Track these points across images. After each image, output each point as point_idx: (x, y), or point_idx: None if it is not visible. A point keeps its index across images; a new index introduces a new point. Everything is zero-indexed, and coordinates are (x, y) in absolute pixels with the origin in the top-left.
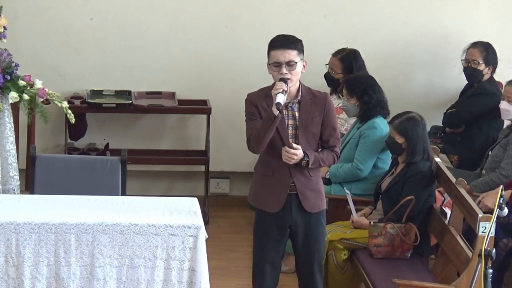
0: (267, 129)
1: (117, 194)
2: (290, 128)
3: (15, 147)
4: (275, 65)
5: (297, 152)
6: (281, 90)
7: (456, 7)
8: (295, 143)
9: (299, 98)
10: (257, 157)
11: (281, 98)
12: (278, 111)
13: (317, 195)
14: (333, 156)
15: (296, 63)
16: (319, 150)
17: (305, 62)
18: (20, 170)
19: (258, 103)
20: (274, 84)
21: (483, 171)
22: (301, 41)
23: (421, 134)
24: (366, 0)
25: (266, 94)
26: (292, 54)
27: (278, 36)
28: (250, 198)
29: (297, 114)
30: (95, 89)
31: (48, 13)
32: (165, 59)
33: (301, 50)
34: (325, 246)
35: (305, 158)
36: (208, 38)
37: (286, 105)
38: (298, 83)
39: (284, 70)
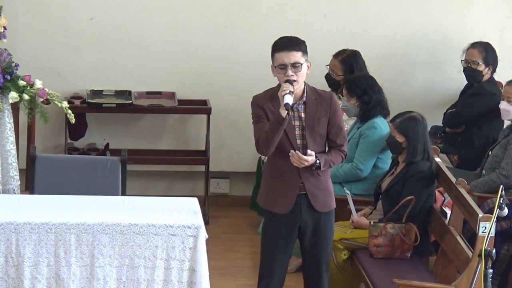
0: (276, 131)
1: (117, 194)
2: (296, 129)
3: (15, 147)
4: (280, 67)
5: (309, 158)
6: (288, 91)
7: (456, 7)
8: (302, 144)
9: (304, 99)
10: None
11: (289, 99)
12: (286, 113)
13: (327, 194)
14: (341, 156)
15: (301, 64)
16: (327, 150)
17: (309, 62)
18: (20, 170)
19: (264, 105)
20: (279, 85)
21: (483, 171)
22: (304, 42)
23: (422, 134)
24: (366, 0)
25: (271, 95)
26: (297, 56)
27: (282, 38)
28: (259, 200)
29: (303, 115)
30: (95, 89)
31: (48, 13)
32: (165, 59)
33: (305, 51)
34: (332, 247)
35: (316, 163)
36: (208, 38)
37: (291, 106)
38: (303, 84)
39: (290, 72)
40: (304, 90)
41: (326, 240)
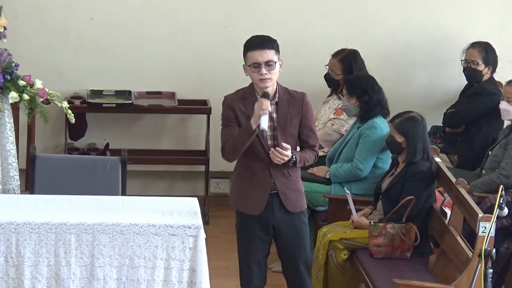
0: (244, 141)
1: (117, 194)
2: (268, 130)
3: (15, 147)
4: (254, 66)
5: (288, 153)
6: (266, 112)
7: (456, 7)
8: (273, 144)
9: (276, 99)
10: None
11: (265, 123)
12: (256, 126)
13: (298, 194)
14: (314, 155)
15: (275, 62)
16: (298, 149)
17: (282, 61)
18: (20, 170)
19: (236, 106)
20: (251, 85)
21: (483, 171)
22: (276, 40)
23: (421, 134)
24: (366, 0)
25: (243, 95)
26: (270, 54)
27: (253, 36)
28: (231, 201)
29: (274, 116)
30: (95, 89)
31: (48, 13)
32: (165, 59)
33: (277, 50)
34: (310, 246)
35: (293, 158)
36: (208, 38)
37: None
38: (275, 84)
39: (264, 71)
40: (276, 90)
41: (302, 238)
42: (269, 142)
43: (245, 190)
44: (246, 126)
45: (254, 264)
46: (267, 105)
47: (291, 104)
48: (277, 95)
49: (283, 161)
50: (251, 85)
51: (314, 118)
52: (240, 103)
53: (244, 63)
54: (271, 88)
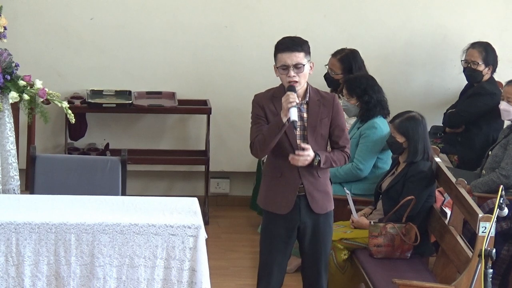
0: (274, 135)
1: (117, 194)
2: (298, 129)
3: (15, 147)
4: (282, 68)
5: (309, 152)
6: (294, 104)
7: (456, 7)
8: (303, 144)
9: (307, 99)
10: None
11: (295, 115)
12: (286, 119)
13: (325, 196)
14: (344, 157)
15: (303, 65)
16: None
17: (312, 63)
18: (20, 170)
19: (265, 105)
20: (281, 86)
21: (483, 171)
22: (307, 42)
23: (422, 134)
24: (366, 0)
25: (273, 95)
26: (299, 57)
27: (284, 38)
28: (259, 201)
29: (305, 116)
30: (95, 89)
31: (48, 13)
32: (165, 59)
33: (308, 52)
34: (331, 248)
35: (317, 158)
36: (208, 38)
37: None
38: (305, 84)
39: (292, 73)
40: (307, 90)
41: (325, 241)
42: (298, 141)
43: (274, 189)
44: (276, 120)
45: (275, 265)
46: (294, 97)
47: (322, 104)
48: (308, 95)
49: (307, 162)
50: (281, 85)
51: (345, 119)
52: (270, 103)
53: (274, 63)
54: (301, 89)
